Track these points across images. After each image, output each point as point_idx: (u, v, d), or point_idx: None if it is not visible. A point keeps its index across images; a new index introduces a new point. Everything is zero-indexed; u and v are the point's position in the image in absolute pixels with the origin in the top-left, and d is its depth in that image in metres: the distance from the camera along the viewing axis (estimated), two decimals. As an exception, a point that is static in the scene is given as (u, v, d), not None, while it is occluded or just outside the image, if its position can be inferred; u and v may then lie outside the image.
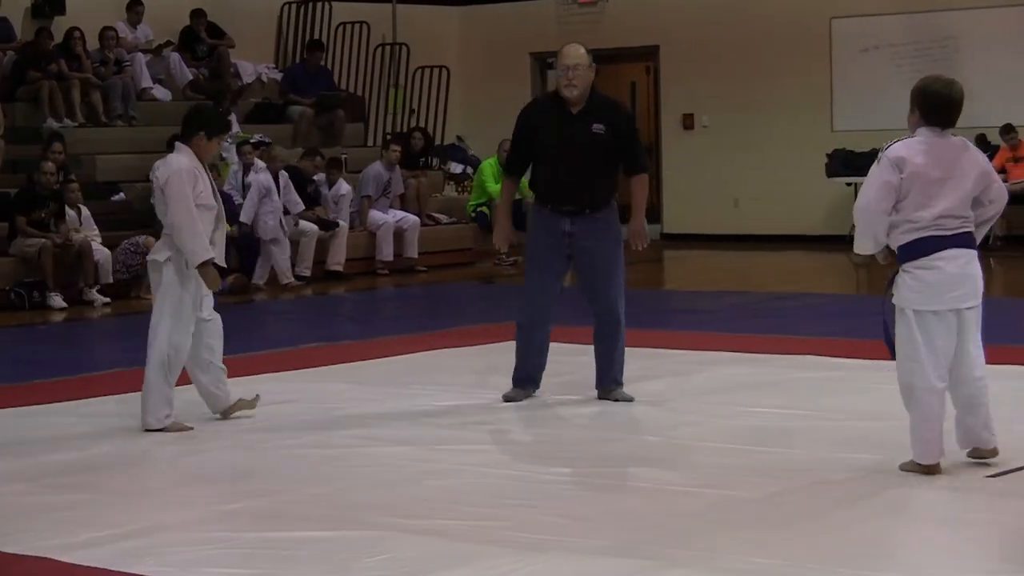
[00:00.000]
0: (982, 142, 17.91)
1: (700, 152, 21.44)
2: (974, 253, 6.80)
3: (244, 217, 16.58)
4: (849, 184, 19.97)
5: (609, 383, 8.93)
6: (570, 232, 8.76)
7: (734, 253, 20.01)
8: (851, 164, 19.87)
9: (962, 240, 6.76)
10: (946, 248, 6.71)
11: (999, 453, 6.93)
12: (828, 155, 20.08)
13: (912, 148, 6.76)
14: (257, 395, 8.76)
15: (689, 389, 9.25)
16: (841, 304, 14.13)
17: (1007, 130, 19.38)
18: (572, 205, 8.75)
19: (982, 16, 19.58)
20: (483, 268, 18.63)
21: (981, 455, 6.95)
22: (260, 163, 16.97)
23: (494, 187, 19.03)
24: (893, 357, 6.93)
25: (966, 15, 19.66)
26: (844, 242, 20.05)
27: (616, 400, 8.87)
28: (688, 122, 21.86)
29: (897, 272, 6.82)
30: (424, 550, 5.84)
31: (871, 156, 21.78)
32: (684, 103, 21.89)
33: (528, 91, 22.91)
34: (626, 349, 9.00)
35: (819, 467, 7.08)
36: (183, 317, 8.36)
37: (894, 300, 6.81)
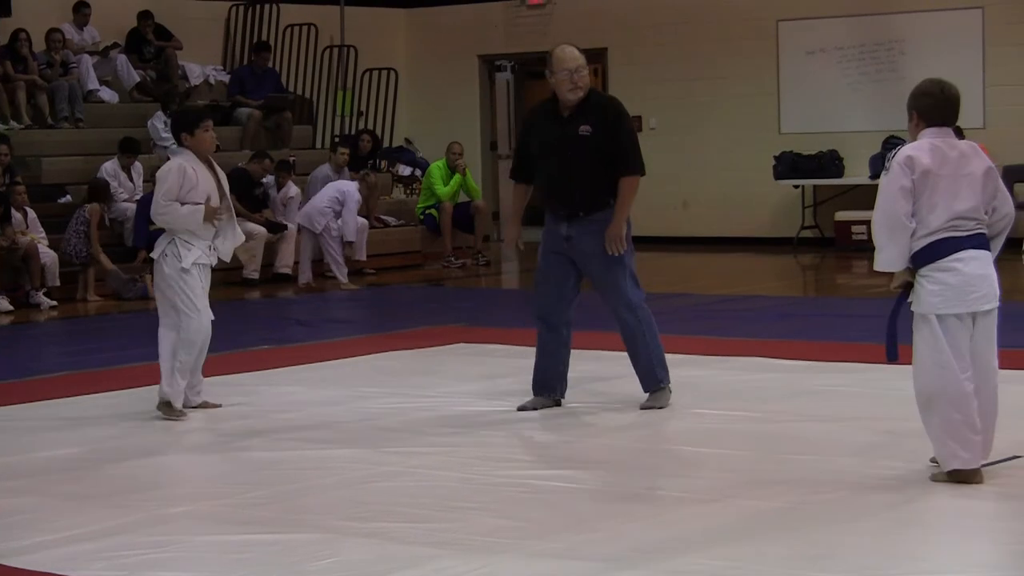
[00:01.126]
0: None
1: (648, 154, 20.93)
2: (990, 255, 6.64)
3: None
4: (796, 187, 20.05)
5: (649, 385, 8.74)
6: (567, 236, 8.67)
7: (683, 255, 20.04)
8: (798, 167, 19.93)
9: (978, 241, 6.60)
10: (963, 249, 6.55)
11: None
12: (776, 157, 20.12)
13: (918, 148, 6.63)
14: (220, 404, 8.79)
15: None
16: (788, 306, 14.17)
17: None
18: (566, 208, 8.68)
19: (927, 19, 19.67)
20: (432, 270, 18.61)
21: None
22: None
23: (443, 189, 19.02)
24: (891, 360, 6.77)
25: (912, 18, 19.75)
26: (792, 244, 20.19)
27: (650, 408, 8.63)
28: (636, 124, 21.87)
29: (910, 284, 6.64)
30: (373, 553, 5.83)
31: (818, 158, 21.73)
32: (632, 105, 21.54)
33: (476, 94, 22.90)
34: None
35: (779, 470, 7.09)
36: (198, 304, 8.71)
37: (913, 308, 6.61)
